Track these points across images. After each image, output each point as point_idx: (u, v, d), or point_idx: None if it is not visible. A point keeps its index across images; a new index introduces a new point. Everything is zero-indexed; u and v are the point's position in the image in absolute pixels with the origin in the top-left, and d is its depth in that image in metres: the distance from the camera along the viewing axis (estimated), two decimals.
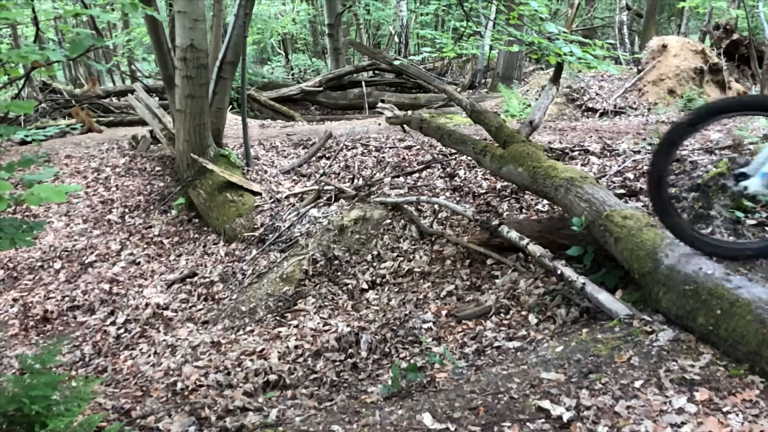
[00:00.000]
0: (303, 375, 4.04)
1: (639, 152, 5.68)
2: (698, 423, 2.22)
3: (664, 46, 10.65)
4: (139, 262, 6.39)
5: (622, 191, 4.81)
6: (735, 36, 10.97)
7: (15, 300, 5.90)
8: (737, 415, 2.24)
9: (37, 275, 6.33)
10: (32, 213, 7.12)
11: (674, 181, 4.74)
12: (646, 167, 3.07)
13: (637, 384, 2.49)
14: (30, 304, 5.78)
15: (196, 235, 6.83)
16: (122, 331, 5.26)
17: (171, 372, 4.33)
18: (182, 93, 6.65)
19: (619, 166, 5.42)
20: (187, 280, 5.94)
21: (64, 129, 9.90)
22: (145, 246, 6.70)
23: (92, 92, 13.05)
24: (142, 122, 9.76)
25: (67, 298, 5.85)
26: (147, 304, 5.56)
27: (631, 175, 5.11)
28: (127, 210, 7.39)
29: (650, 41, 11.42)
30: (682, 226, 3.07)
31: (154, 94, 11.53)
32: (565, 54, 5.04)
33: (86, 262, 6.43)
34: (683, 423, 2.23)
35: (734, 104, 3.15)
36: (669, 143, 3.01)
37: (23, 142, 9.37)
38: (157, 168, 8.31)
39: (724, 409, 2.27)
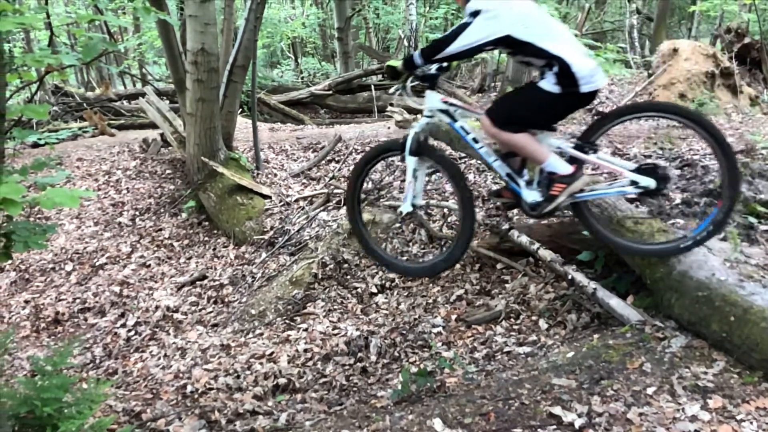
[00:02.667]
0: (312, 379, 4.04)
1: (650, 156, 5.65)
2: (712, 431, 2.20)
3: (675, 50, 10.59)
4: (149, 265, 6.42)
5: (633, 196, 4.79)
6: (746, 40, 10.89)
7: (27, 302, 5.95)
8: (751, 423, 2.22)
9: (48, 277, 6.37)
10: (44, 215, 7.17)
11: (685, 186, 4.71)
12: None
13: (650, 391, 2.47)
14: (41, 306, 5.82)
15: (206, 238, 6.85)
16: (132, 333, 5.29)
17: (181, 375, 4.35)
18: (193, 96, 6.68)
19: None
20: (197, 282, 5.96)
21: (76, 132, 9.97)
22: (155, 249, 6.72)
23: (106, 95, 13.14)
24: (153, 125, 9.81)
25: (78, 300, 5.88)
26: (157, 307, 5.58)
27: None
28: (137, 213, 7.42)
29: (661, 45, 11.36)
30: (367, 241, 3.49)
31: (165, 98, 11.57)
32: None
33: (97, 264, 6.46)
34: (697, 431, 2.21)
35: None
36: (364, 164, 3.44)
37: (35, 145, 9.43)
38: (168, 171, 8.35)
39: (738, 417, 2.25)
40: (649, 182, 2.86)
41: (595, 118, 3.12)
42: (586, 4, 15.50)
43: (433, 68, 3.09)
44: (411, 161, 3.21)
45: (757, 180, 4.23)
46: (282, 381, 3.96)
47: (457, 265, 4.99)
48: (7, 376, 4.08)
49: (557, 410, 2.46)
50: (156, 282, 6.11)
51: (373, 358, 4.18)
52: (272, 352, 4.37)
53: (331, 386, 3.93)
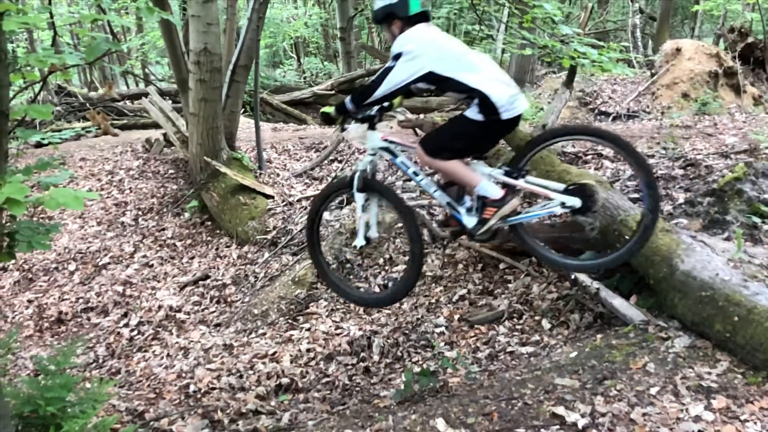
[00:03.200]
0: (315, 378, 4.04)
1: (653, 156, 5.63)
2: (715, 431, 2.19)
3: (678, 50, 10.58)
4: (152, 265, 6.43)
5: (636, 196, 4.78)
6: (750, 39, 10.87)
7: (30, 301, 5.96)
8: (755, 423, 2.22)
9: (51, 277, 6.39)
10: (47, 215, 7.18)
11: (689, 186, 4.70)
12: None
13: (653, 391, 2.46)
14: (45, 306, 5.84)
15: (209, 238, 6.85)
16: (135, 333, 5.29)
17: (184, 374, 4.35)
18: (196, 96, 6.68)
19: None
20: (200, 282, 5.97)
21: (79, 132, 9.99)
22: (158, 248, 6.73)
23: (109, 95, 13.16)
24: (156, 125, 9.82)
25: (81, 300, 5.90)
26: (160, 307, 5.59)
27: None
28: (140, 212, 7.43)
29: (664, 44, 11.35)
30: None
31: (168, 98, 11.59)
32: (580, 55, 5.00)
33: (100, 264, 6.47)
34: (700, 431, 2.20)
35: None
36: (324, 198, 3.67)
37: (39, 145, 9.46)
38: (171, 171, 8.36)
39: (742, 417, 2.25)
40: (575, 202, 2.99)
41: (523, 144, 3.32)
42: (588, 4, 15.46)
43: (374, 110, 3.28)
44: (359, 198, 3.37)
45: (761, 180, 4.22)
46: (285, 381, 3.97)
47: (460, 265, 4.99)
48: (11, 375, 4.09)
49: (560, 410, 2.45)
50: (159, 282, 6.11)
51: (376, 357, 4.18)
52: (275, 352, 4.38)
53: (333, 386, 3.93)
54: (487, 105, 2.93)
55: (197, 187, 7.21)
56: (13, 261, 5.40)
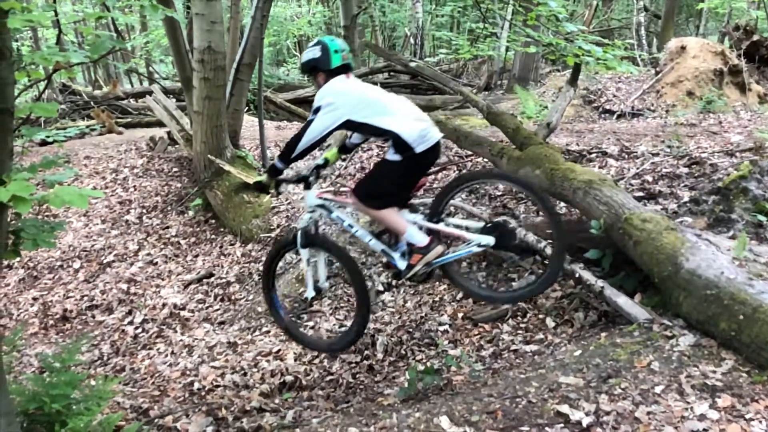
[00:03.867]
0: (319, 376, 4.05)
1: (658, 154, 5.62)
2: (720, 430, 2.19)
3: (683, 48, 10.55)
4: (156, 263, 6.45)
5: (640, 194, 4.76)
6: (755, 37, 10.83)
7: (35, 299, 5.98)
8: (760, 422, 2.21)
9: (56, 275, 6.41)
10: (52, 213, 7.21)
11: (694, 184, 4.69)
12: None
13: (658, 389, 2.46)
14: (49, 303, 5.86)
15: (213, 236, 6.87)
16: (140, 330, 5.31)
17: (188, 372, 4.37)
18: (200, 95, 6.69)
19: (638, 168, 5.36)
20: (204, 280, 5.98)
21: (84, 130, 10.02)
22: (162, 246, 6.75)
23: (114, 94, 13.20)
24: (160, 123, 9.84)
25: (85, 298, 5.92)
26: (164, 304, 5.60)
27: (649, 178, 5.06)
28: (144, 211, 7.45)
29: (669, 42, 11.32)
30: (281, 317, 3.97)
31: (172, 96, 11.61)
32: (584, 53, 4.99)
33: (104, 262, 6.49)
34: (705, 430, 2.20)
35: None
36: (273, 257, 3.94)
37: (44, 143, 9.49)
38: (175, 169, 8.38)
39: (747, 416, 2.24)
40: (489, 241, 3.28)
41: (438, 192, 3.66)
42: (593, 2, 15.42)
43: (307, 170, 3.61)
44: (304, 253, 3.63)
45: (766, 178, 4.20)
46: (289, 378, 3.97)
47: (464, 263, 4.99)
48: (16, 372, 4.11)
49: (565, 408, 2.45)
50: (163, 280, 6.13)
51: (380, 356, 4.18)
52: (279, 350, 4.38)
53: (337, 384, 3.93)
54: (400, 144, 3.19)
55: (201, 186, 7.23)
56: (18, 259, 5.43)
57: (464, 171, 4.54)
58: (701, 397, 2.38)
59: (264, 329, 4.86)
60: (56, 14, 2.70)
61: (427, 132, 3.23)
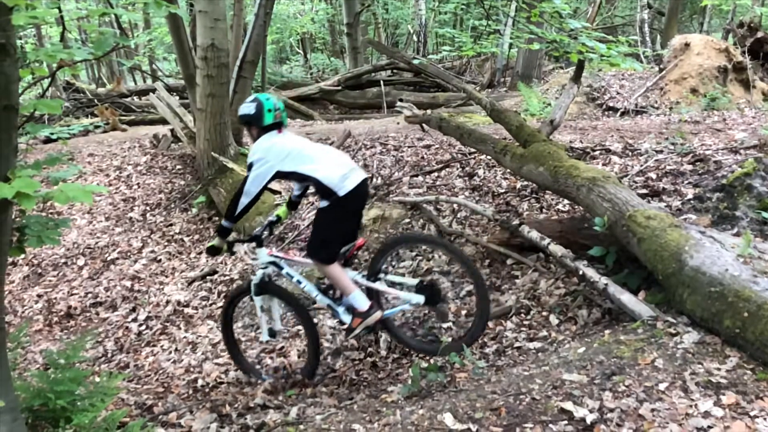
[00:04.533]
0: (323, 373, 4.05)
1: (661, 152, 5.61)
2: (725, 427, 2.18)
3: (687, 45, 10.51)
4: (160, 260, 6.46)
5: (644, 191, 4.76)
6: (759, 34, 10.77)
7: (39, 296, 6.00)
8: (765, 419, 2.20)
9: (60, 272, 6.43)
10: (56, 210, 7.22)
11: (698, 181, 4.68)
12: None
13: (662, 386, 2.45)
14: (54, 300, 5.88)
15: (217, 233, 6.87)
16: (144, 327, 5.32)
17: (192, 369, 4.38)
18: (203, 92, 6.70)
19: (642, 165, 5.35)
20: (208, 277, 5.99)
21: (88, 128, 10.04)
22: (165, 244, 6.76)
23: (118, 91, 13.22)
24: (163, 121, 9.86)
25: (90, 295, 5.93)
26: (168, 301, 5.62)
27: (653, 175, 5.05)
28: (148, 208, 7.46)
29: (672, 39, 11.27)
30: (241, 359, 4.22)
31: (175, 94, 11.64)
32: (588, 49, 4.97)
33: (108, 259, 6.51)
34: (710, 427, 2.19)
35: None
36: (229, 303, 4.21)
37: (47, 141, 9.51)
38: (178, 166, 8.39)
39: (752, 414, 2.23)
40: (420, 299, 3.60)
41: (376, 251, 3.98)
42: None
43: (260, 229, 3.92)
44: (257, 300, 3.95)
45: None
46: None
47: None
48: (21, 369, 4.12)
49: (568, 405, 2.44)
50: (167, 277, 6.14)
51: (383, 353, 4.19)
52: (282, 347, 4.39)
53: (341, 381, 3.94)
54: (323, 189, 3.49)
55: (205, 183, 7.24)
56: (23, 256, 5.43)
57: (399, 234, 5.06)
58: (705, 394, 2.37)
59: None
60: (60, 11, 2.70)
61: (349, 176, 3.52)
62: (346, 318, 3.71)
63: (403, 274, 4.31)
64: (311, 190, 3.82)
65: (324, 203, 3.53)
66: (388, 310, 3.73)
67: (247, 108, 3.69)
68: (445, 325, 3.81)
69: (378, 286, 3.69)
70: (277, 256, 3.90)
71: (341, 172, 3.51)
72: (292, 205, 4.22)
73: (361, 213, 3.81)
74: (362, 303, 3.60)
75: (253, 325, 4.86)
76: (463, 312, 3.89)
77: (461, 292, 4.10)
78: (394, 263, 4.15)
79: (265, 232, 3.99)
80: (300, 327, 4.29)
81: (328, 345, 4.33)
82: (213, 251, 3.84)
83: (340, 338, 4.40)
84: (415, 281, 3.70)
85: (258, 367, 4.23)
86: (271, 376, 4.02)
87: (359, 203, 3.68)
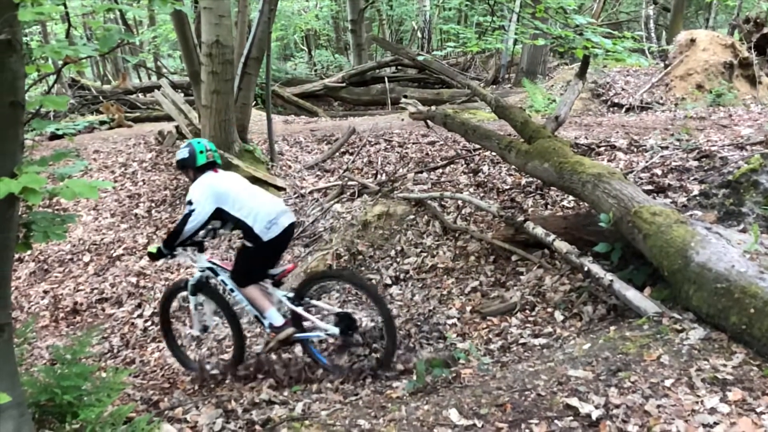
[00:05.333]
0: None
1: (667, 148, 5.59)
2: (731, 423, 2.17)
3: (693, 41, 10.46)
4: None
5: (650, 187, 4.74)
6: (765, 30, 10.71)
7: (46, 292, 6.03)
8: None
9: (66, 268, 6.45)
10: (62, 207, 7.25)
11: (703, 177, 4.66)
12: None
13: (668, 383, 2.45)
14: (60, 296, 5.90)
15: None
16: (149, 323, 5.34)
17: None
18: (208, 89, 6.70)
19: (647, 161, 5.34)
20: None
21: (93, 124, 10.06)
22: None
23: (123, 87, 13.23)
24: (168, 118, 9.87)
25: (95, 291, 5.95)
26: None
27: (659, 171, 5.03)
28: (153, 204, 7.48)
29: (678, 35, 11.22)
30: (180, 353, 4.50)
31: (180, 90, 11.64)
32: (593, 45, 4.95)
33: (114, 255, 6.53)
34: (716, 423, 2.19)
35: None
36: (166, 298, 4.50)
37: (53, 137, 9.53)
38: None
39: (758, 410, 2.22)
40: (335, 331, 3.88)
41: (302, 280, 4.37)
42: None
43: (202, 235, 4.08)
44: (192, 299, 4.25)
45: None
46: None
47: (472, 257, 4.99)
48: (28, 364, 4.14)
49: (574, 401, 2.44)
50: (172, 273, 6.16)
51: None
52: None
53: (346, 377, 3.93)
54: (249, 234, 3.78)
55: None
56: (29, 252, 5.45)
57: (325, 270, 5.28)
58: (712, 390, 2.37)
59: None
60: (65, 7, 2.71)
61: (276, 221, 3.80)
62: (268, 332, 4.05)
63: (332, 304, 4.61)
64: (237, 231, 4.08)
65: (248, 243, 3.83)
66: (306, 333, 4.00)
67: (181, 153, 4.01)
68: (359, 351, 4.06)
69: (299, 310, 3.96)
70: (214, 263, 4.19)
71: (269, 219, 3.79)
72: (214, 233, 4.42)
73: (284, 250, 4.16)
74: (276, 320, 3.92)
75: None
76: (376, 339, 4.07)
77: (375, 321, 4.21)
78: (320, 292, 4.53)
79: (206, 239, 4.25)
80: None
81: (332, 341, 4.33)
82: (152, 256, 4.06)
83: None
84: (336, 310, 4.05)
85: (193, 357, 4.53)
86: (198, 366, 4.25)
87: (282, 245, 4.01)
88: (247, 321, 4.60)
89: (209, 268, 4.16)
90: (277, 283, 4.08)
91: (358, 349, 4.00)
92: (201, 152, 3.95)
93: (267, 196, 4.02)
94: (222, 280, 4.14)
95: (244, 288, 3.93)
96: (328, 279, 4.46)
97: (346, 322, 3.91)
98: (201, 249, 4.19)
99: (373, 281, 5.14)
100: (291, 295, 3.99)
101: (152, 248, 4.05)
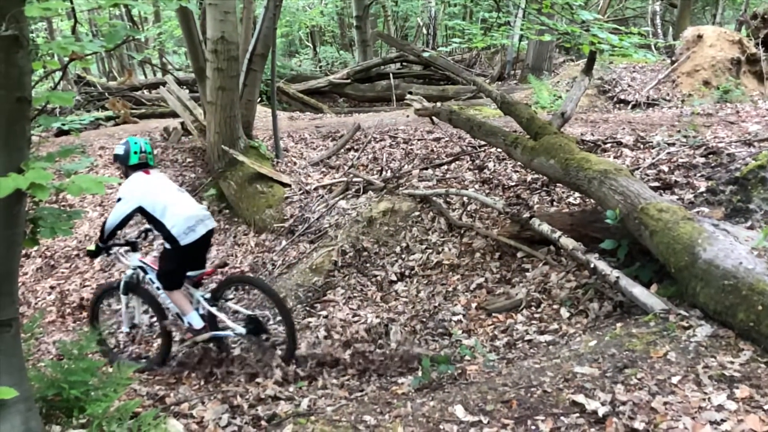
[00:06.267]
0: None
1: (674, 144, 5.56)
2: (738, 420, 2.17)
3: (700, 37, 10.40)
4: None
5: (656, 184, 4.73)
6: None
7: (52, 288, 6.04)
8: None
9: (73, 264, 6.47)
10: (68, 203, 7.26)
11: (710, 174, 4.64)
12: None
13: (675, 380, 2.44)
14: (67, 292, 5.91)
15: (227, 226, 6.90)
16: (155, 319, 5.34)
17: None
18: (213, 85, 6.70)
19: (653, 158, 5.32)
20: (219, 270, 6.00)
21: (100, 120, 10.08)
22: None
23: (129, 83, 13.24)
24: (174, 114, 9.87)
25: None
26: None
27: (665, 168, 5.02)
28: None
29: (685, 31, 11.16)
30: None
31: (185, 87, 11.65)
32: (600, 41, 4.92)
33: None
34: (723, 420, 2.18)
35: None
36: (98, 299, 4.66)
37: (60, 133, 9.55)
38: (189, 159, 8.41)
39: (766, 407, 2.22)
40: (242, 330, 4.14)
41: (218, 283, 4.61)
42: None
43: (134, 235, 4.56)
44: (123, 298, 4.46)
45: None
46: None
47: (477, 254, 4.98)
48: (35, 359, 4.15)
49: (580, 398, 2.44)
50: None
51: (393, 345, 4.19)
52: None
53: (352, 372, 3.93)
54: (168, 236, 3.98)
55: (215, 176, 7.25)
56: (35, 248, 5.46)
57: (237, 274, 5.71)
58: (719, 387, 2.36)
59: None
60: (72, 3, 2.70)
61: (195, 228, 4.00)
62: (188, 330, 4.27)
63: (246, 306, 4.85)
64: (156, 233, 4.31)
65: (168, 246, 4.05)
66: (219, 332, 4.26)
67: (118, 148, 4.19)
68: (269, 348, 4.24)
69: (213, 310, 4.24)
70: (144, 263, 4.38)
71: (188, 225, 3.98)
72: (146, 235, 4.79)
73: (204, 253, 4.39)
74: (196, 322, 4.19)
75: None
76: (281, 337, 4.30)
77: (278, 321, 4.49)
78: (232, 295, 4.86)
79: (140, 239, 4.54)
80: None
81: (338, 337, 4.34)
82: (92, 254, 4.29)
83: (350, 330, 4.41)
84: (247, 313, 4.29)
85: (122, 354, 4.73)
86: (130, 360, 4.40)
87: (201, 250, 4.26)
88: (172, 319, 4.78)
89: (140, 267, 4.39)
90: (197, 285, 4.40)
91: (269, 347, 4.20)
92: (135, 152, 4.12)
93: (190, 203, 4.22)
94: (150, 279, 4.35)
95: (169, 291, 4.19)
96: (240, 283, 4.87)
97: (254, 324, 4.19)
98: (134, 249, 4.42)
99: (378, 277, 5.14)
100: (208, 296, 4.29)
101: (90, 246, 4.28)
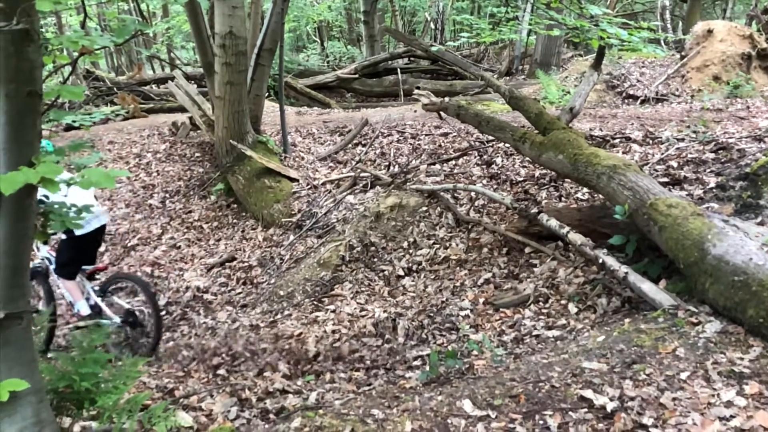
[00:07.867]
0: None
1: (683, 140, 5.53)
2: (748, 417, 2.16)
3: (710, 31, 10.32)
4: (179, 246, 6.52)
5: (665, 179, 4.70)
6: None
7: None
8: None
9: None
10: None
11: (720, 170, 4.61)
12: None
13: (683, 376, 2.43)
14: None
15: (235, 221, 6.92)
16: (164, 313, 5.38)
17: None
18: (221, 80, 6.71)
19: (663, 154, 5.29)
20: (227, 264, 6.04)
21: (109, 115, 10.13)
22: (185, 230, 6.82)
23: (138, 78, 13.29)
24: (182, 109, 9.90)
25: None
26: (187, 287, 5.67)
27: (675, 163, 4.99)
28: (167, 195, 7.52)
29: (695, 26, 11.08)
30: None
31: (193, 82, 11.67)
32: (609, 35, 4.89)
33: (129, 245, 6.58)
34: (732, 416, 2.17)
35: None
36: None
37: (69, 128, 9.60)
38: (197, 154, 8.44)
39: None
40: (117, 321, 4.59)
41: (107, 278, 5.02)
42: None
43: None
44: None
45: None
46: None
47: (485, 249, 4.97)
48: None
49: (588, 393, 2.44)
50: (186, 263, 6.20)
51: (401, 339, 4.20)
52: (300, 333, 4.42)
53: (359, 366, 3.95)
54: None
55: (223, 170, 7.28)
56: (46, 240, 5.50)
57: (118, 272, 6.01)
58: (728, 383, 2.35)
59: (286, 312, 4.91)
60: None
61: (90, 221, 4.28)
62: (77, 315, 4.65)
63: (128, 301, 5.05)
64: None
65: (63, 236, 4.35)
66: (102, 319, 4.58)
67: None
68: (141, 339, 4.69)
69: (99, 301, 4.66)
70: (51, 254, 4.67)
71: (87, 217, 4.09)
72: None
73: (97, 247, 4.79)
74: (84, 310, 4.59)
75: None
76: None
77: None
78: (116, 290, 5.03)
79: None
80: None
81: (345, 331, 4.35)
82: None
83: (358, 325, 4.42)
84: (126, 307, 4.69)
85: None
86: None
87: (94, 243, 4.65)
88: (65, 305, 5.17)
89: (47, 258, 4.70)
90: (90, 277, 4.74)
91: (141, 338, 4.65)
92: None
93: (86, 195, 4.32)
94: (54, 269, 4.66)
95: (65, 280, 4.56)
96: (123, 279, 5.13)
97: (131, 316, 4.61)
98: (46, 241, 4.54)
99: (385, 272, 5.15)
100: (97, 288, 4.71)
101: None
